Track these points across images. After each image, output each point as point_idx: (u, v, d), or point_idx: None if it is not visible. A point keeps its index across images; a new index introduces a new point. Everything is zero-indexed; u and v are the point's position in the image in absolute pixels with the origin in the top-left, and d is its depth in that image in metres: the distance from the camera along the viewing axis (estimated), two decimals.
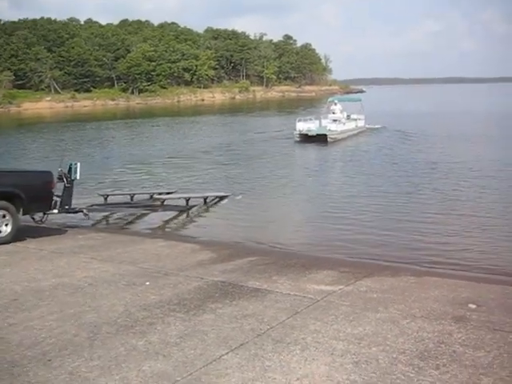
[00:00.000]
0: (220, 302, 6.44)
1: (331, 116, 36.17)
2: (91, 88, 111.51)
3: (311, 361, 4.80)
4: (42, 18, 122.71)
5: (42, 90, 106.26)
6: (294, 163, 25.67)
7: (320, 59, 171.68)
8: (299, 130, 32.83)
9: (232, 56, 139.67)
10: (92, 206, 13.61)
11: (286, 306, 6.32)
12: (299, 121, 33.81)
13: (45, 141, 38.40)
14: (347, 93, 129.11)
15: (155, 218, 13.75)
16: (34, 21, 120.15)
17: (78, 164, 12.02)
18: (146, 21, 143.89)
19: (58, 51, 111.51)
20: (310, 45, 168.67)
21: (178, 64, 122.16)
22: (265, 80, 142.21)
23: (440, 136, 32.91)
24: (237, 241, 11.41)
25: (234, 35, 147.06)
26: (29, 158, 28.14)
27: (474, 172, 19.64)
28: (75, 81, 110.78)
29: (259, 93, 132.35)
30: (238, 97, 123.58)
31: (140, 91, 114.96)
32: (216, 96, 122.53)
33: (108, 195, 15.26)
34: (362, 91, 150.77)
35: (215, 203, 15.57)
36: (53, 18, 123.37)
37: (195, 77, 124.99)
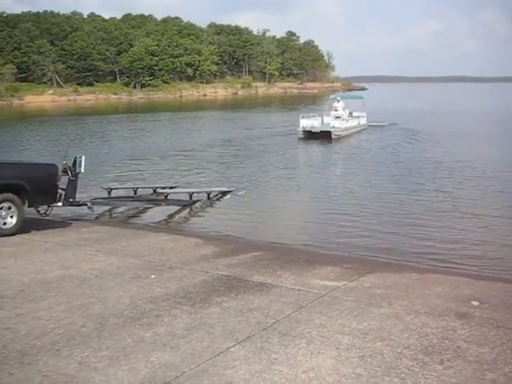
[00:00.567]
0: (225, 296, 6.50)
1: (334, 113, 36.18)
2: (94, 82, 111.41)
3: (317, 354, 4.86)
4: (46, 12, 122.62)
5: (45, 83, 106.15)
6: (299, 160, 25.72)
7: (323, 56, 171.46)
8: (303, 127, 32.81)
9: (235, 51, 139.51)
10: (96, 199, 13.68)
11: (291, 300, 6.38)
12: (303, 117, 33.80)
13: (47, 134, 38.41)
14: (349, 90, 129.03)
15: (159, 212, 13.80)
16: (37, 14, 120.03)
17: (83, 157, 12.08)
18: (149, 15, 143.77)
19: (60, 45, 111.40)
20: (313, 41, 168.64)
21: (180, 59, 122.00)
22: (267, 76, 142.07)
23: (443, 135, 32.92)
24: (240, 236, 11.46)
25: (237, 31, 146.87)
26: (31, 150, 28.19)
27: (477, 171, 19.68)
28: (78, 74, 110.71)
29: (261, 89, 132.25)
30: (240, 92, 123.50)
31: (142, 86, 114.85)
32: (218, 91, 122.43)
33: (112, 189, 15.31)
34: (364, 88, 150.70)
35: (218, 198, 15.63)
36: (56, 12, 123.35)
37: (198, 72, 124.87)
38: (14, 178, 10.02)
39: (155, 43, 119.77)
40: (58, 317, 5.74)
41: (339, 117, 35.25)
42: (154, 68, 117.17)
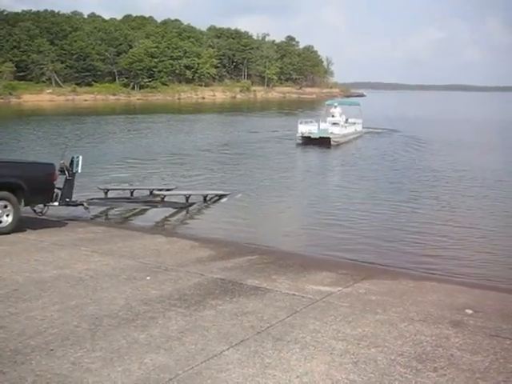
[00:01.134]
0: (220, 299, 6.50)
1: (331, 119, 35.96)
2: (92, 82, 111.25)
3: (311, 359, 4.87)
4: (46, 11, 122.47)
5: (43, 82, 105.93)
6: (297, 165, 25.77)
7: (322, 61, 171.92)
8: (301, 133, 32.78)
9: (234, 55, 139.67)
10: (92, 199, 13.63)
11: (286, 304, 6.38)
12: (301, 123, 33.79)
13: (43, 133, 38.32)
14: (347, 96, 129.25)
15: (155, 214, 13.79)
16: (38, 13, 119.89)
17: (80, 157, 12.05)
18: (150, 17, 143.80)
19: (60, 44, 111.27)
20: (313, 47, 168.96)
21: (179, 61, 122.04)
22: (266, 80, 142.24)
23: (442, 142, 33.11)
24: (236, 239, 11.44)
25: (236, 34, 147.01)
26: (28, 150, 28.09)
27: (476, 180, 19.79)
28: (76, 74, 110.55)
29: (260, 93, 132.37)
30: (238, 96, 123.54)
31: (141, 87, 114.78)
32: (217, 95, 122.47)
33: (108, 189, 15.27)
34: (362, 95, 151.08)
35: (215, 201, 15.63)
36: (56, 11, 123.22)
37: (197, 75, 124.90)
38: (10, 176, 9.99)
39: (155, 45, 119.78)
40: (52, 317, 5.73)
41: (337, 123, 35.10)
42: (153, 70, 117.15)
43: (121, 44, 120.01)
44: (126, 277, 7.38)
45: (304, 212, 15.47)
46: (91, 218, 12.99)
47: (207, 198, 15.51)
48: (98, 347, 4.99)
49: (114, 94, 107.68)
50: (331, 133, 32.65)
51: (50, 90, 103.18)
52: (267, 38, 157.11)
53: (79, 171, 12.07)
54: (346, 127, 35.49)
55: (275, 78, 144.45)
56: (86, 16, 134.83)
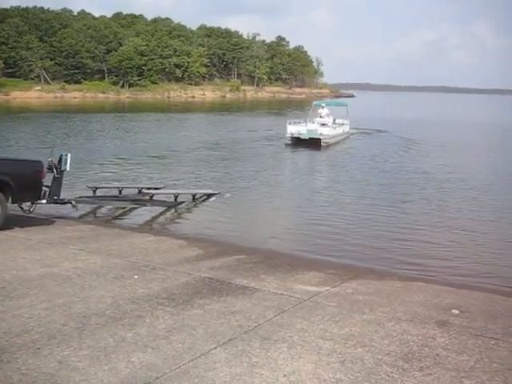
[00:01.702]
0: (208, 298, 6.50)
1: (319, 120, 35.70)
2: (81, 80, 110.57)
3: (298, 358, 4.89)
4: (35, 7, 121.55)
5: (32, 79, 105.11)
6: (287, 166, 25.73)
7: (312, 62, 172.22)
8: (291, 133, 32.42)
9: (224, 54, 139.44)
10: (80, 197, 13.56)
11: (274, 304, 6.40)
12: (289, 123, 33.48)
13: (32, 131, 38.07)
14: (337, 97, 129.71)
15: (143, 213, 13.75)
16: (27, 9, 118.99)
17: (69, 155, 11.98)
18: (140, 15, 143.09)
19: (49, 41, 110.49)
20: (303, 47, 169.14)
21: (169, 60, 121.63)
22: (256, 80, 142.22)
23: (432, 144, 33.31)
24: (224, 239, 11.45)
25: (227, 34, 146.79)
26: (16, 147, 27.88)
27: (464, 182, 19.91)
28: (66, 72, 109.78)
29: (250, 92, 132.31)
30: (228, 95, 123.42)
31: (130, 85, 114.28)
32: (206, 94, 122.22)
33: (97, 188, 15.19)
34: (352, 96, 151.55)
35: (203, 200, 15.61)
36: (45, 8, 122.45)
37: (186, 73, 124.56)
38: None
39: (145, 43, 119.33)
40: (39, 315, 5.71)
41: (325, 124, 34.89)
42: (143, 68, 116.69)
43: (111, 42, 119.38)
44: (114, 275, 7.36)
45: (293, 212, 15.50)
46: (80, 217, 12.93)
47: (196, 197, 15.48)
48: (85, 346, 4.98)
49: (104, 92, 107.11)
50: (320, 134, 32.34)
51: (39, 87, 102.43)
52: (257, 38, 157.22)
53: (67, 169, 12.00)
54: (335, 128, 35.37)
55: (265, 77, 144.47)
56: (75, 13, 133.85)
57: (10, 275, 7.10)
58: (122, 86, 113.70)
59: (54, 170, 11.69)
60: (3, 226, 9.88)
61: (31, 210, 11.22)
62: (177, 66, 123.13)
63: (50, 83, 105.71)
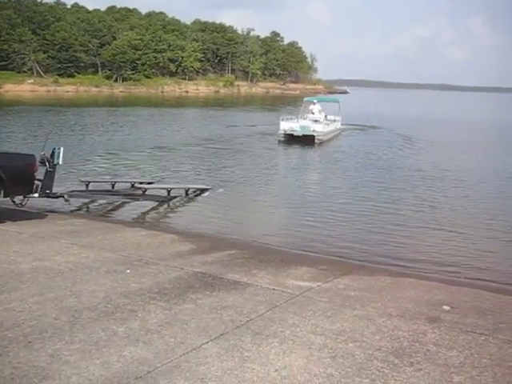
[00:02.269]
0: (200, 293, 6.51)
1: (311, 116, 35.42)
2: (75, 73, 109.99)
3: (289, 353, 4.91)
4: (28, 0, 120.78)
5: (25, 72, 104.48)
6: (280, 162, 25.58)
7: (306, 58, 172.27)
8: (284, 130, 32.07)
9: (218, 49, 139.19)
10: (73, 191, 13.56)
11: (265, 299, 6.42)
12: (282, 120, 33.05)
13: (24, 124, 37.86)
14: (331, 93, 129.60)
15: (136, 207, 13.75)
16: (19, 1, 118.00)
17: (62, 149, 11.95)
18: (134, 9, 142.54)
19: (42, 34, 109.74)
20: (297, 43, 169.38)
21: (163, 54, 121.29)
22: (250, 75, 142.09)
23: (425, 141, 33.39)
24: (217, 233, 11.47)
25: (221, 28, 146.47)
26: (7, 140, 27.70)
27: (457, 180, 19.98)
28: (59, 65, 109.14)
29: (244, 88, 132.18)
30: (222, 91, 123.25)
31: (124, 79, 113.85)
32: (200, 89, 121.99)
33: (89, 182, 15.17)
34: (345, 92, 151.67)
35: (196, 195, 15.61)
36: (39, 0, 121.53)
37: (180, 68, 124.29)
38: None
39: (139, 37, 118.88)
40: (30, 308, 5.70)
41: (317, 120, 34.54)
42: (137, 62, 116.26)
43: (104, 35, 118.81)
44: (106, 270, 7.35)
45: (286, 208, 15.51)
46: (72, 211, 12.90)
47: (189, 192, 15.48)
48: (77, 339, 4.98)
49: (97, 86, 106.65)
50: (314, 130, 32.08)
51: (32, 81, 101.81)
52: (252, 33, 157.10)
53: (60, 163, 11.97)
54: (328, 124, 35.20)
55: (259, 73, 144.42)
56: (69, 6, 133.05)
57: (1, 269, 7.08)
58: (116, 80, 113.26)
59: (47, 163, 11.65)
60: None
61: (23, 203, 11.18)
62: (171, 60, 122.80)
63: (42, 76, 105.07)
